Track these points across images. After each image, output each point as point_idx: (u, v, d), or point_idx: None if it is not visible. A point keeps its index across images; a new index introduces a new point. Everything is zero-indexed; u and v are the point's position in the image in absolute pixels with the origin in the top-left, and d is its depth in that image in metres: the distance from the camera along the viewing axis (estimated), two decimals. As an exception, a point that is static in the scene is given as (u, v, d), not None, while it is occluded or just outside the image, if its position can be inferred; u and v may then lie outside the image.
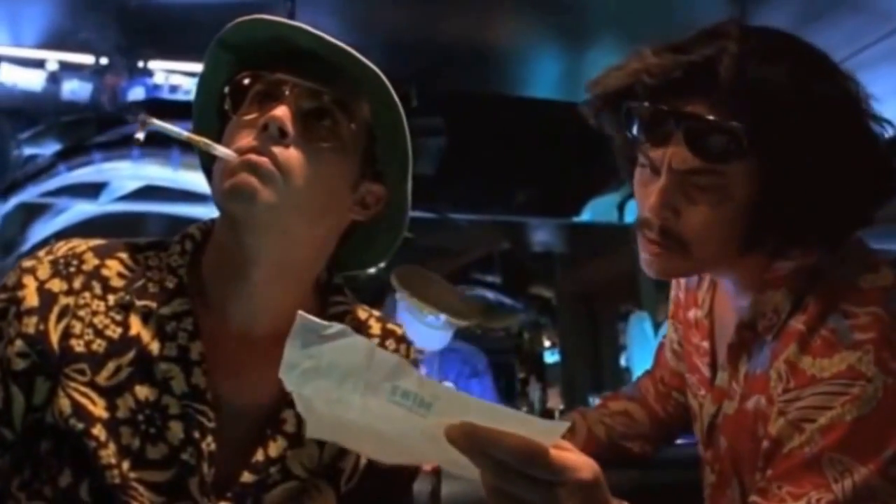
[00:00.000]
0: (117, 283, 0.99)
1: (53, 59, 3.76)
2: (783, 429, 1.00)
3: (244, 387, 0.99)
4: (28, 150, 3.80)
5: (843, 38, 3.36)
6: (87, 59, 3.81)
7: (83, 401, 0.92)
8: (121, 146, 3.63)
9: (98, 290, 0.97)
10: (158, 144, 3.56)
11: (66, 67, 3.79)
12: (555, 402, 7.32)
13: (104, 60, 3.82)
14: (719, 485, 1.16)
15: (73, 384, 0.93)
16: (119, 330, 0.96)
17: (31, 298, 0.95)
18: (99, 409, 0.92)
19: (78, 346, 0.94)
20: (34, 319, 0.94)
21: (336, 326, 0.75)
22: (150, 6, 3.43)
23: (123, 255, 1.01)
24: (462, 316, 2.72)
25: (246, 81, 0.99)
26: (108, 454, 0.91)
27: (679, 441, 1.45)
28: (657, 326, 4.94)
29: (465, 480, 0.79)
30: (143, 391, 0.94)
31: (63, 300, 0.96)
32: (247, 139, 0.94)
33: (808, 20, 3.33)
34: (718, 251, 1.07)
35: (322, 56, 0.97)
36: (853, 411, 0.96)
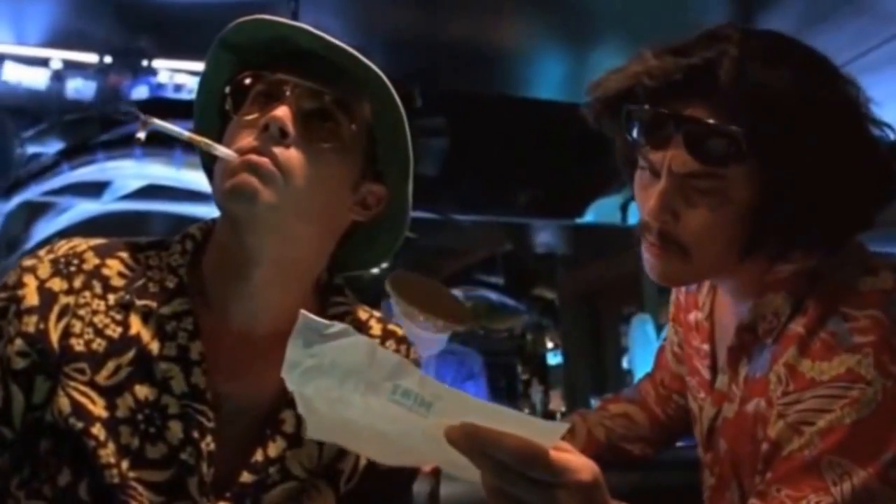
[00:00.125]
0: (118, 282, 0.99)
1: (57, 57, 3.76)
2: (782, 432, 1.00)
3: (244, 387, 0.99)
4: (31, 149, 3.80)
5: (848, 41, 3.36)
6: (92, 57, 3.81)
7: (83, 400, 0.92)
8: (124, 145, 3.63)
9: (98, 289, 0.97)
10: (162, 144, 3.55)
11: (70, 66, 3.79)
12: (556, 403, 7.32)
13: (108, 59, 3.82)
14: (718, 487, 1.16)
15: (72, 383, 0.93)
16: (119, 329, 0.96)
17: (32, 297, 0.95)
18: (98, 408, 0.92)
19: (78, 345, 0.94)
20: (34, 318, 0.94)
21: (338, 325, 0.75)
22: (155, 5, 3.43)
23: (124, 255, 1.01)
24: (457, 320, 2.72)
25: (247, 81, 0.99)
26: (108, 453, 0.91)
27: (679, 443, 1.45)
28: (659, 329, 4.95)
29: (464, 482, 0.79)
30: (142, 391, 0.94)
31: (63, 299, 0.96)
32: (247, 139, 0.95)
33: (812, 22, 3.33)
34: (718, 254, 1.07)
35: (323, 56, 0.97)
36: (852, 414, 0.96)
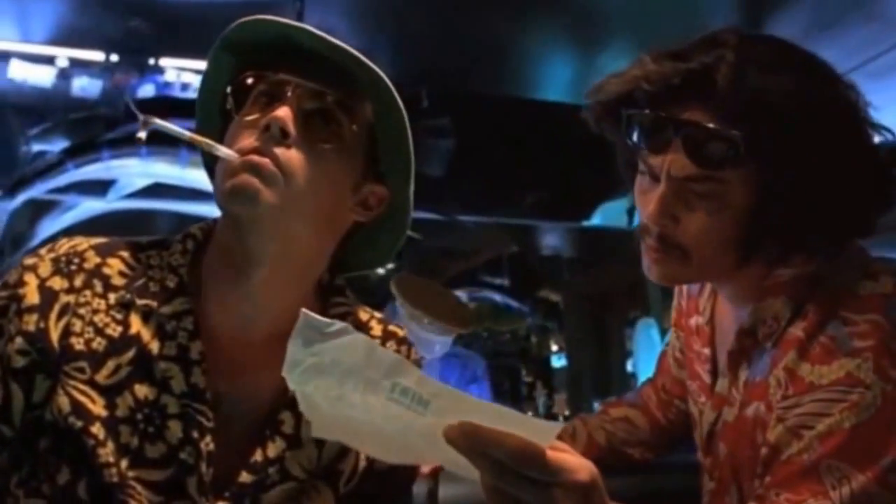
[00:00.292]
0: (118, 281, 0.99)
1: (63, 55, 3.77)
2: (781, 435, 1.00)
3: (243, 387, 0.99)
4: (37, 147, 3.81)
5: (856, 46, 3.35)
6: (98, 55, 3.82)
7: (82, 399, 0.92)
8: (129, 144, 3.63)
9: (99, 288, 0.97)
10: (167, 142, 3.56)
11: (76, 64, 3.80)
12: (560, 407, 7.32)
13: (114, 57, 3.83)
14: (718, 492, 1.16)
15: (72, 382, 0.93)
16: (119, 328, 0.96)
17: (32, 296, 0.95)
18: (98, 407, 0.92)
19: (78, 344, 0.94)
20: (35, 317, 0.94)
21: (338, 324, 0.75)
22: (162, 3, 3.44)
23: (125, 254, 1.01)
24: (462, 323, 2.73)
25: (249, 81, 0.99)
26: (107, 452, 0.91)
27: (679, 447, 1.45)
28: (664, 332, 4.94)
29: (463, 482, 0.79)
30: (142, 390, 0.94)
31: (64, 298, 0.96)
32: (249, 140, 0.95)
33: (821, 27, 3.33)
34: (718, 258, 1.07)
35: (325, 57, 0.97)
36: (851, 418, 0.96)
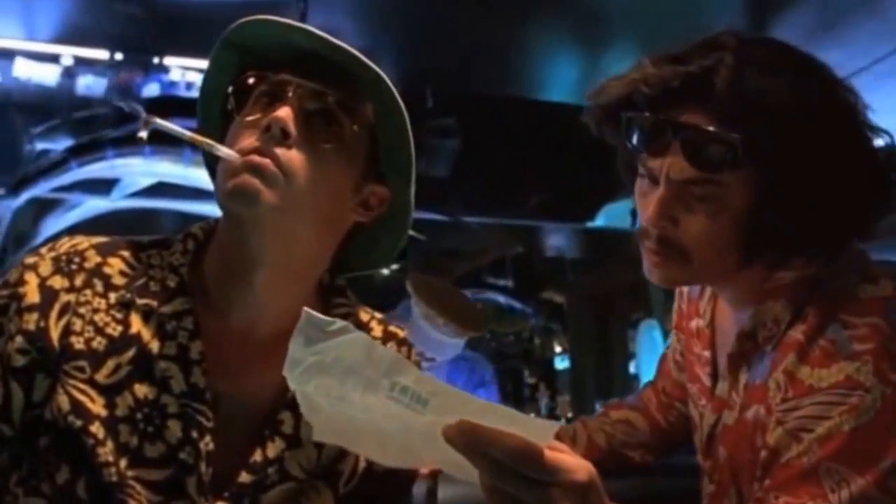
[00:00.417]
0: (119, 280, 0.99)
1: (68, 53, 3.77)
2: (781, 438, 1.00)
3: (243, 387, 0.99)
4: (40, 145, 3.81)
5: (862, 47, 3.34)
6: (102, 54, 3.82)
7: (82, 398, 0.92)
8: (133, 143, 3.63)
9: (99, 287, 0.97)
10: (171, 142, 3.56)
11: (80, 62, 3.80)
12: (563, 408, 7.31)
13: (119, 56, 3.83)
14: (717, 495, 1.16)
15: (72, 381, 0.93)
16: (119, 328, 0.96)
17: (33, 295, 0.95)
18: (97, 406, 0.92)
19: (78, 343, 0.94)
20: (35, 316, 0.94)
21: (339, 322, 0.75)
22: (165, 2, 3.44)
23: (125, 253, 1.01)
24: (475, 327, 2.73)
25: (250, 81, 0.99)
26: (106, 452, 0.91)
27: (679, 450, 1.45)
28: (667, 334, 4.93)
29: (462, 483, 0.79)
30: (142, 389, 0.94)
31: (64, 297, 0.96)
32: (249, 140, 0.95)
33: (826, 27, 3.32)
34: (718, 260, 1.07)
35: (326, 57, 0.97)
36: (851, 421, 0.96)
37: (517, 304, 7.11)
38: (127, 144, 3.63)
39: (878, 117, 1.07)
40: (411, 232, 1.11)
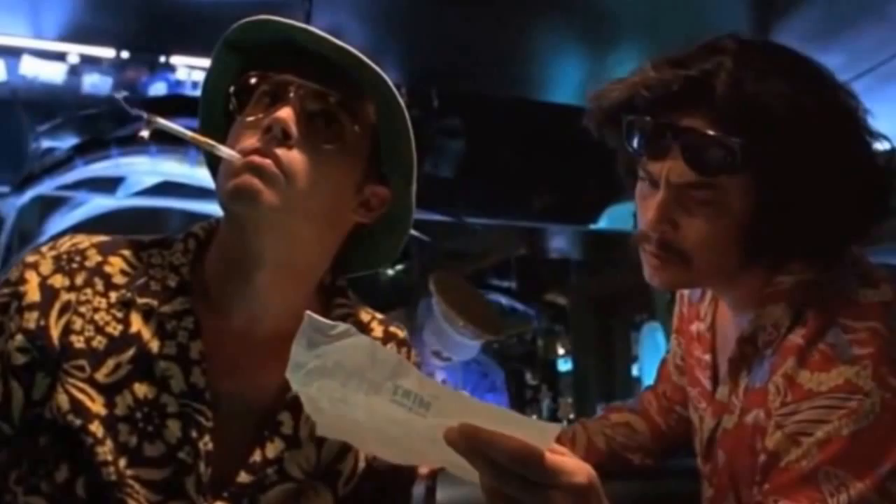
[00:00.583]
0: (119, 280, 0.99)
1: (74, 52, 3.77)
2: (780, 442, 1.00)
3: (243, 387, 0.99)
4: (46, 143, 3.81)
5: (868, 48, 3.33)
6: (108, 52, 3.82)
7: (81, 397, 0.92)
8: (139, 141, 3.63)
9: (100, 286, 0.98)
10: (176, 140, 3.55)
11: (86, 61, 3.80)
12: (566, 411, 7.28)
13: (125, 54, 3.83)
14: (716, 499, 1.16)
15: (72, 380, 0.93)
16: (120, 327, 0.96)
17: (33, 294, 0.95)
18: (97, 405, 0.92)
19: (78, 342, 0.94)
20: (35, 315, 0.94)
21: (342, 326, 0.75)
22: (172, 1, 3.43)
23: (126, 253, 1.01)
24: (494, 331, 2.74)
25: (251, 82, 0.99)
26: (105, 451, 0.91)
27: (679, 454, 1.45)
28: (669, 337, 4.92)
29: (461, 483, 0.79)
30: (141, 389, 0.94)
31: (65, 296, 0.96)
32: (250, 140, 0.95)
33: (832, 29, 3.31)
34: (718, 264, 1.08)
35: (328, 58, 0.97)
36: (850, 426, 0.96)
37: (520, 306, 7.09)
38: (132, 143, 3.63)
39: (881, 121, 1.07)
40: (415, 233, 1.11)
